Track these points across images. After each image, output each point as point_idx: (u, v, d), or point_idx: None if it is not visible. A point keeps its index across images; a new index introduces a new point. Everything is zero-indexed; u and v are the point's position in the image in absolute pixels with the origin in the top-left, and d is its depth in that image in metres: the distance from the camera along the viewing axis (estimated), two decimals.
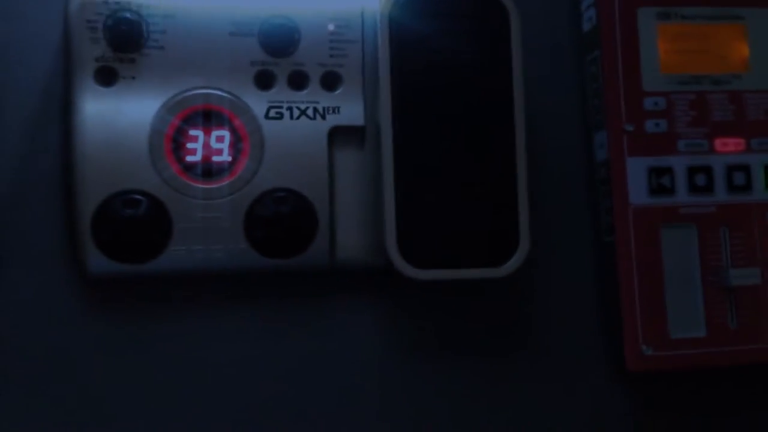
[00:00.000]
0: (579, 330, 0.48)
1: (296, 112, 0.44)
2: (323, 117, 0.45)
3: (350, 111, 0.45)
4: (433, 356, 0.46)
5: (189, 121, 0.43)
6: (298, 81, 0.44)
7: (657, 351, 0.46)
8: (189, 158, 0.43)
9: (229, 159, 0.43)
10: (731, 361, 0.47)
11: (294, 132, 0.44)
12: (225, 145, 0.44)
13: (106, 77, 0.42)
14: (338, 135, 0.45)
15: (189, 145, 0.43)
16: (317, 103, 0.45)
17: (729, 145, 0.48)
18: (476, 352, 0.47)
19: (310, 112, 0.44)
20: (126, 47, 0.42)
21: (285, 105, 0.44)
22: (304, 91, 0.44)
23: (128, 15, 0.42)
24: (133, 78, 0.42)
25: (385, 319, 0.46)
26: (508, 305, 0.48)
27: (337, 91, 0.45)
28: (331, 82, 0.45)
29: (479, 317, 0.47)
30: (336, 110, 0.45)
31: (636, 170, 0.47)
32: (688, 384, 0.48)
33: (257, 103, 0.44)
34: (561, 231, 0.49)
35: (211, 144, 0.44)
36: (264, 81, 0.44)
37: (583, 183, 0.49)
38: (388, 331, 0.46)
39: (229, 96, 0.43)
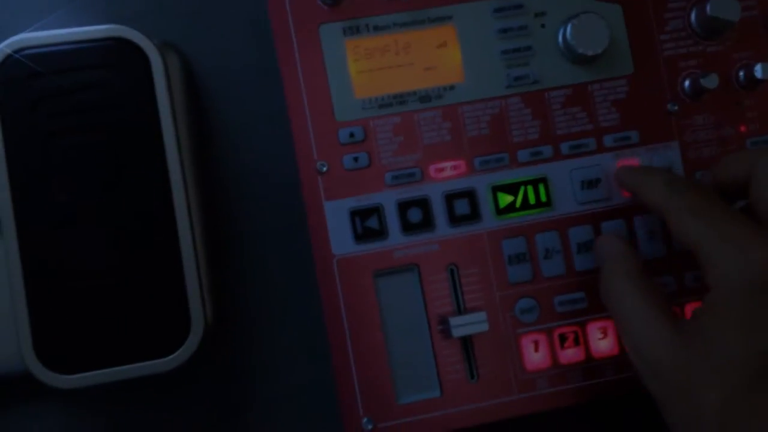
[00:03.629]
0: (302, 407, 0.41)
1: None
2: None
3: None
4: None
5: None
6: None
7: (382, 422, 0.39)
8: None
9: None
10: (475, 421, 0.40)
11: None
12: None
13: None
14: None
15: None
16: None
17: (447, 170, 0.41)
18: None
19: None
20: None
21: None
22: None
23: None
24: None
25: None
26: (211, 388, 0.41)
27: None
28: None
29: (170, 412, 0.40)
30: None
31: (336, 215, 0.40)
32: None
33: None
34: (282, 288, 0.42)
35: None
36: None
37: (299, 234, 0.42)
38: None
39: None
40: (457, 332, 0.39)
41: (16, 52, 0.36)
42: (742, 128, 0.42)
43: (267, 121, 0.43)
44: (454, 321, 0.39)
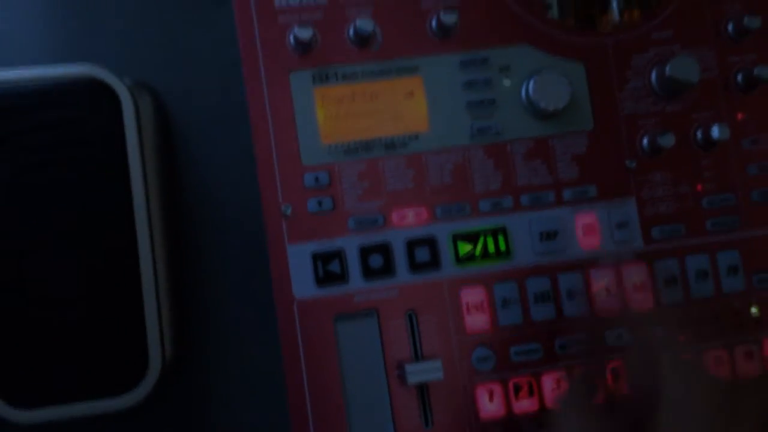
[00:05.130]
0: None
1: None
2: None
3: None
4: None
5: None
6: None
7: None
8: None
9: None
10: None
11: None
12: None
13: None
14: None
15: None
16: None
17: (409, 217, 0.41)
18: None
19: None
20: None
21: None
22: None
23: None
24: None
25: None
26: (161, 425, 0.41)
27: None
28: None
29: None
30: None
31: (298, 258, 0.40)
32: None
33: None
34: (244, 330, 0.43)
35: None
36: None
37: (262, 276, 0.43)
38: None
39: None
40: (412, 379, 0.39)
41: None
42: (699, 187, 0.44)
43: (236, 160, 0.44)
44: (409, 368, 0.39)
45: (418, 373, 0.39)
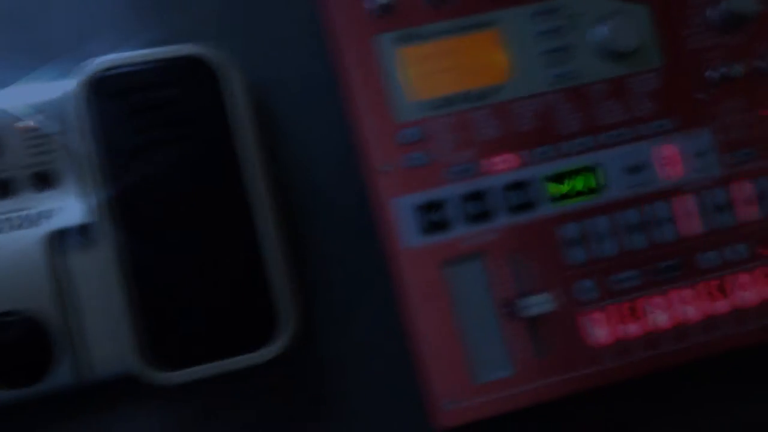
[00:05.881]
0: (388, 394, 0.44)
1: (5, 225, 0.39)
2: (35, 223, 0.40)
3: (68, 210, 0.41)
4: None
5: None
6: (2, 189, 0.40)
7: (460, 402, 0.41)
8: None
9: None
10: (546, 397, 0.42)
11: (6, 247, 0.39)
12: None
13: None
14: (61, 238, 0.40)
15: None
16: (27, 209, 0.40)
17: (500, 164, 0.43)
18: None
19: (18, 221, 0.40)
20: None
21: None
22: (10, 200, 0.40)
23: None
24: None
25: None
26: (299, 383, 0.43)
27: (50, 192, 0.40)
28: (40, 183, 0.40)
29: (263, 405, 0.42)
30: (50, 213, 0.40)
31: (402, 211, 0.42)
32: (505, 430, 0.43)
33: None
34: (353, 285, 0.45)
35: None
36: None
37: (369, 232, 0.45)
38: None
39: None
40: (525, 312, 0.41)
41: (104, 71, 0.39)
42: (765, 112, 0.46)
43: (327, 127, 0.45)
44: (521, 303, 0.42)
45: (530, 306, 0.42)
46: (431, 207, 0.43)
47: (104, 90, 0.39)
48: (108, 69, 0.39)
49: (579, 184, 0.44)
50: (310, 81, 0.46)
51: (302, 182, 0.45)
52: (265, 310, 0.40)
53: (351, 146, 0.45)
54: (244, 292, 0.39)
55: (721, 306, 0.44)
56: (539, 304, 0.41)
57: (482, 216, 0.43)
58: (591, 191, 0.44)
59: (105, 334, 0.40)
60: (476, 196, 0.43)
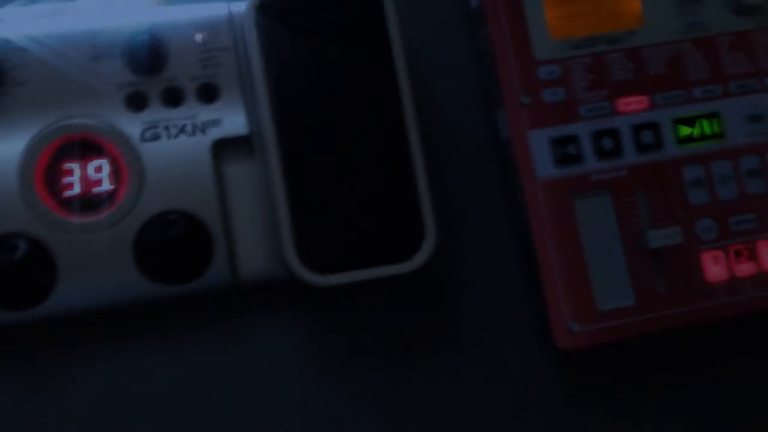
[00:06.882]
0: (507, 314, 0.46)
1: (174, 131, 0.42)
2: (203, 131, 0.43)
3: (232, 121, 0.43)
4: (355, 364, 0.44)
5: (61, 154, 0.41)
6: (171, 98, 0.43)
7: (586, 326, 0.44)
8: (67, 193, 0.41)
9: (111, 188, 0.41)
10: (664, 326, 0.45)
11: (174, 151, 0.42)
12: (104, 175, 0.42)
13: None
14: (224, 147, 0.43)
15: (65, 180, 0.41)
16: (195, 117, 0.43)
17: (632, 104, 0.46)
18: (400, 353, 0.45)
19: (188, 128, 0.42)
20: None
21: (161, 125, 0.42)
22: (180, 108, 0.43)
23: None
24: None
25: (299, 332, 0.44)
26: (427, 300, 0.45)
27: (216, 103, 0.43)
28: (207, 94, 0.43)
29: (397, 317, 0.45)
30: (216, 122, 0.43)
31: (539, 143, 0.45)
32: (624, 354, 0.46)
33: (131, 126, 0.42)
34: (475, 214, 0.47)
35: (88, 175, 0.42)
36: (135, 102, 0.42)
37: (492, 163, 0.47)
38: (304, 343, 0.44)
39: (99, 123, 0.41)
40: (653, 244, 0.44)
41: None
42: None
43: (459, 69, 0.48)
44: (650, 234, 0.44)
45: (659, 238, 0.44)
46: (566, 141, 0.45)
47: (272, 11, 0.42)
48: None
49: (707, 128, 0.46)
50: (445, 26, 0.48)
51: (433, 118, 0.48)
52: (413, 224, 0.42)
53: (479, 88, 0.47)
54: (394, 207, 0.42)
55: None
56: (668, 236, 0.44)
57: (612, 153, 0.45)
58: (715, 136, 0.46)
59: (259, 239, 0.43)
60: (608, 133, 0.46)
